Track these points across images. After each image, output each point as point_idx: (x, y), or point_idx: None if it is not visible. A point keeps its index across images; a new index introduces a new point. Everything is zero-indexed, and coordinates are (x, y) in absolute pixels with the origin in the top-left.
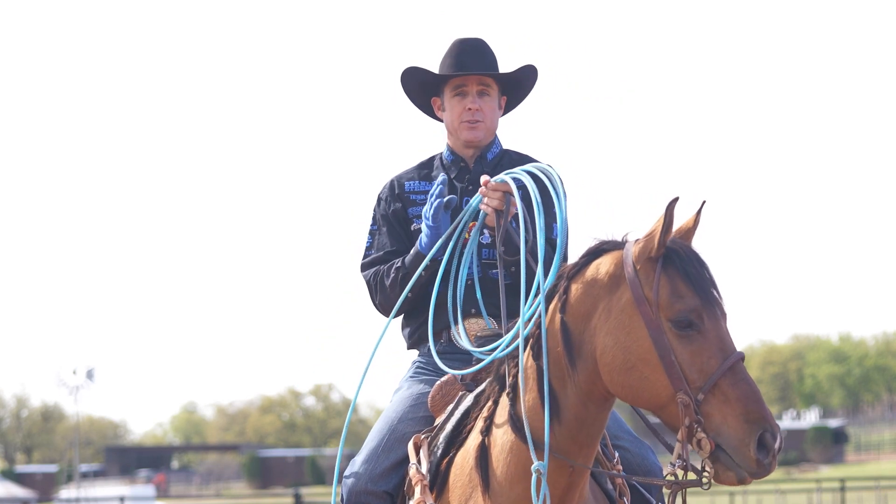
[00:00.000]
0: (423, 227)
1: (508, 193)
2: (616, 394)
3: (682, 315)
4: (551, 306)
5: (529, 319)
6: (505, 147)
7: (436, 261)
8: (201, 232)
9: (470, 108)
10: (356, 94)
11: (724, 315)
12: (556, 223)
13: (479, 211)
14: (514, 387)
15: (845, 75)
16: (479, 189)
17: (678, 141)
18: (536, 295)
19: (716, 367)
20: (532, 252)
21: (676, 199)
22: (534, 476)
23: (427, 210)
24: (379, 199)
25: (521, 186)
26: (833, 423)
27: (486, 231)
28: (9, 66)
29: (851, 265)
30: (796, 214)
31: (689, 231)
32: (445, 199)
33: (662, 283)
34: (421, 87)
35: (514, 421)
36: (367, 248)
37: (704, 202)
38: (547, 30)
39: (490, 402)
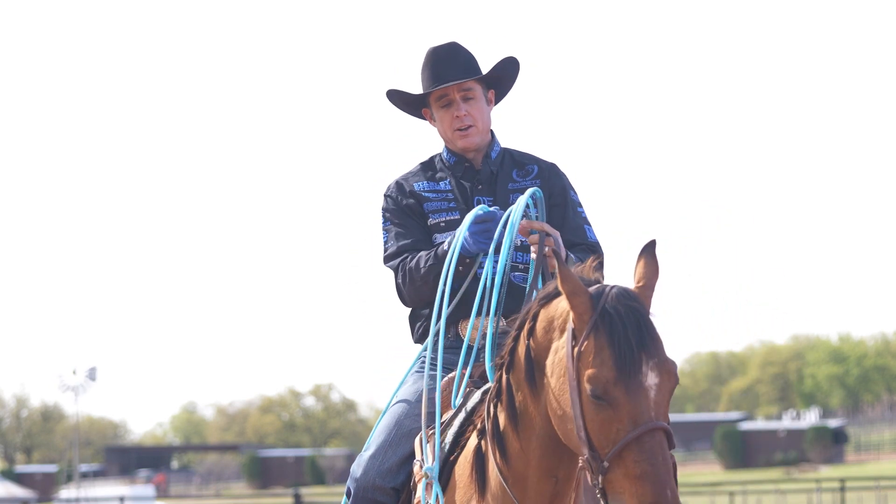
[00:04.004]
0: (465, 234)
1: (543, 233)
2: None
3: (596, 384)
4: (525, 328)
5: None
6: (504, 146)
7: (472, 259)
8: (200, 232)
9: (458, 117)
10: (353, 95)
11: (659, 378)
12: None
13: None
14: (499, 394)
15: (843, 75)
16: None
17: (679, 142)
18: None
19: (621, 437)
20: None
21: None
22: (423, 481)
23: (473, 234)
24: (387, 197)
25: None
26: (833, 423)
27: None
28: (9, 66)
29: (851, 266)
30: (796, 215)
31: (647, 277)
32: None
33: (587, 347)
34: (407, 104)
35: (496, 436)
36: (386, 242)
37: (654, 242)
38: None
39: (490, 405)
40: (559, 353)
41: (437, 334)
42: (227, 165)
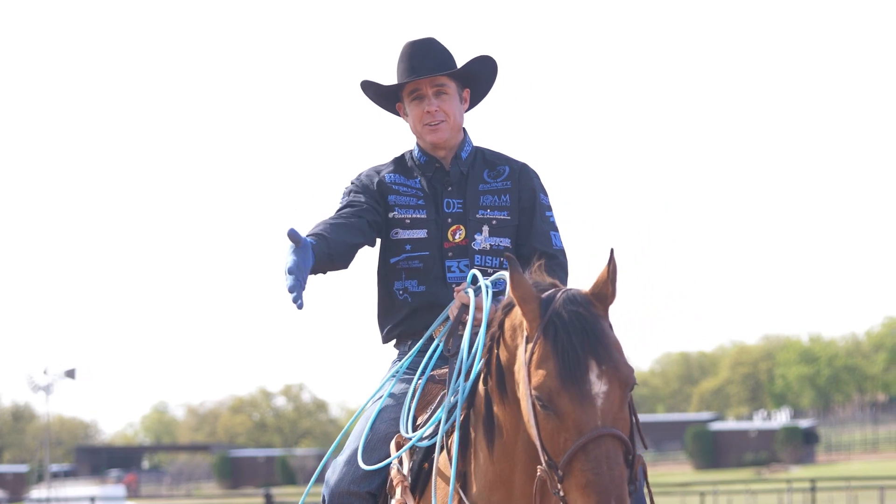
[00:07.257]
0: (287, 277)
1: (465, 305)
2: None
3: (541, 393)
4: (495, 338)
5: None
6: (476, 145)
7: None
8: (172, 233)
9: (428, 112)
10: (333, 93)
11: (609, 385)
12: None
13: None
14: (472, 405)
15: (830, 74)
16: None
17: (656, 140)
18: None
19: (569, 447)
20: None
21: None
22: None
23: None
24: (357, 178)
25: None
26: (803, 423)
27: (477, 237)
28: (8, 65)
29: (822, 266)
30: (767, 215)
31: (605, 283)
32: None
33: (537, 355)
34: (381, 96)
35: (487, 431)
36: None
37: (612, 251)
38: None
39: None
40: (519, 361)
41: (414, 341)
42: (202, 169)
